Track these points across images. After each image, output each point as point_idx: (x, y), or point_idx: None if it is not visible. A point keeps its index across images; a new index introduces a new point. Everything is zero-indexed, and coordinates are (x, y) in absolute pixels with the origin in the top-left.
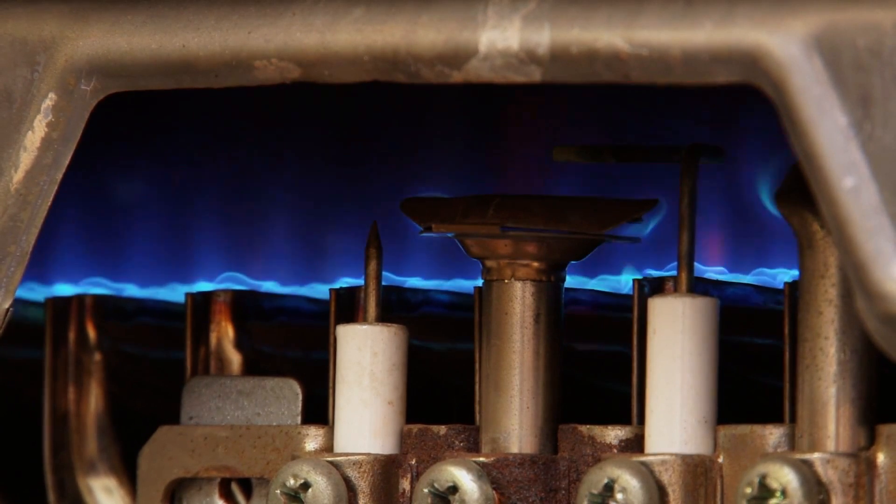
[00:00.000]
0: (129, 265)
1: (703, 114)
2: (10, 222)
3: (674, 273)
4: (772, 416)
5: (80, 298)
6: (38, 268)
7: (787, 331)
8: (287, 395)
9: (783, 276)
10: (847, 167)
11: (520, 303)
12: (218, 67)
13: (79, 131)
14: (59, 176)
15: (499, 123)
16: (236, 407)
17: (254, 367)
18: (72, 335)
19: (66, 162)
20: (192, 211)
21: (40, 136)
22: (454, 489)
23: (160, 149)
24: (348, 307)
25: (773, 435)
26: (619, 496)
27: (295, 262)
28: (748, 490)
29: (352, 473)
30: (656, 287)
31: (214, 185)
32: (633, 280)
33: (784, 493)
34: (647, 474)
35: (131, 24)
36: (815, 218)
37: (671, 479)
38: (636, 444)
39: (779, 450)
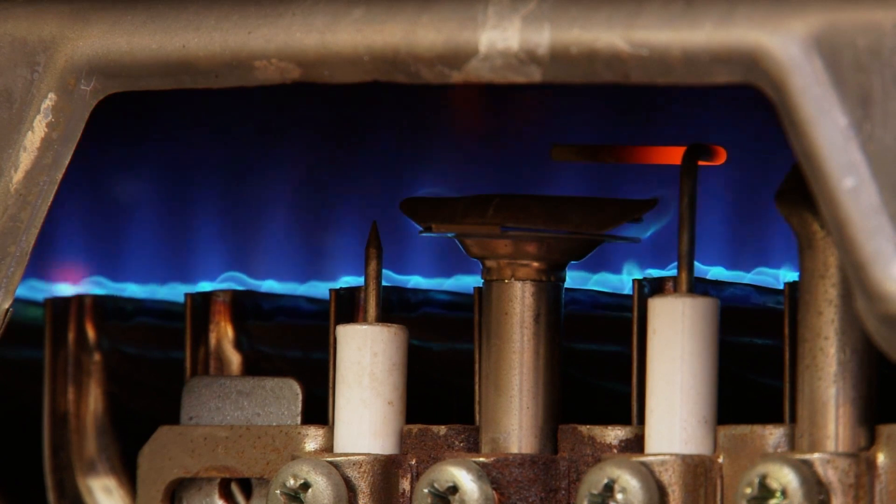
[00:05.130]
0: (129, 265)
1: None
2: (10, 222)
3: (674, 273)
4: (772, 416)
5: (79, 298)
6: (39, 268)
7: (787, 331)
8: (287, 395)
9: (785, 275)
10: (847, 167)
11: (520, 303)
12: (218, 67)
13: (79, 131)
14: (59, 176)
15: (499, 123)
16: (236, 407)
17: (253, 367)
18: (71, 335)
19: (66, 162)
20: (192, 211)
21: (40, 137)
22: (454, 489)
23: (160, 148)
24: (348, 307)
25: (773, 435)
26: (619, 496)
27: (295, 262)
28: (748, 490)
29: (352, 473)
30: (656, 287)
31: (214, 184)
32: (633, 280)
33: (784, 493)
34: (647, 474)
35: (131, 24)
36: (815, 218)
37: (671, 480)
38: (636, 444)
39: (779, 450)
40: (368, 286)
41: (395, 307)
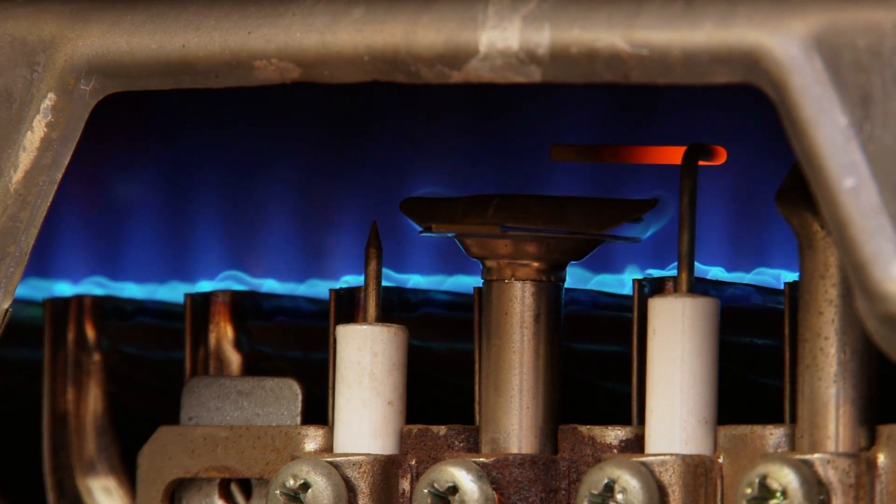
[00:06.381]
0: (129, 264)
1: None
2: (10, 222)
3: (674, 273)
4: (772, 416)
5: (78, 299)
6: (39, 267)
7: (787, 331)
8: (287, 395)
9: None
10: (847, 167)
11: (520, 303)
12: (218, 67)
13: (78, 131)
14: (59, 176)
15: (499, 122)
16: (236, 407)
17: (253, 367)
18: (71, 336)
19: (66, 162)
20: (192, 210)
21: (40, 136)
22: (454, 489)
23: (160, 148)
24: (348, 307)
25: (773, 435)
26: (619, 496)
27: (295, 262)
28: (748, 490)
29: (352, 474)
30: (656, 287)
31: (214, 184)
32: (633, 280)
33: (784, 493)
34: (648, 474)
35: (131, 24)
36: (815, 218)
37: (671, 480)
38: (636, 444)
39: (779, 450)
40: (368, 286)
41: (395, 307)
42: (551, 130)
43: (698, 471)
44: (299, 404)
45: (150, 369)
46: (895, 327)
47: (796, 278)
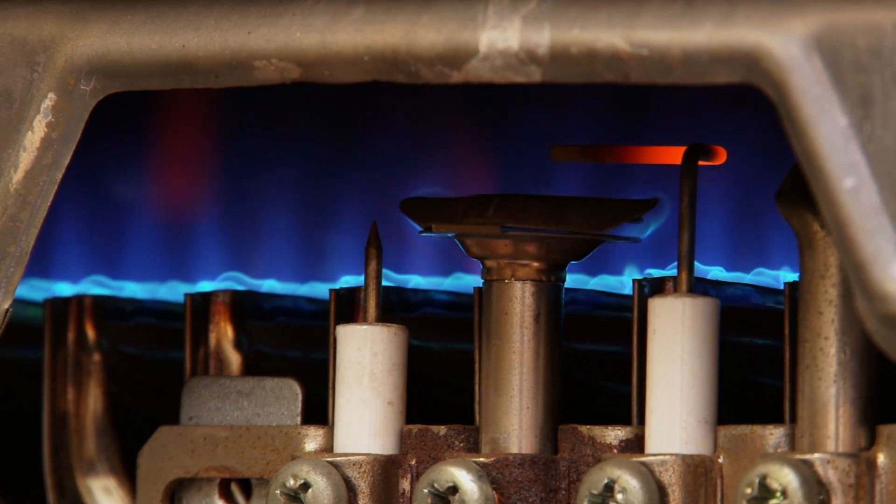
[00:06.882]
0: (129, 264)
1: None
2: (10, 222)
3: (674, 273)
4: (772, 416)
5: (79, 299)
6: (39, 267)
7: (787, 331)
8: (287, 395)
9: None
10: (847, 167)
11: (520, 303)
12: (218, 67)
13: (78, 131)
14: (59, 176)
15: (499, 122)
16: (236, 407)
17: (253, 367)
18: (71, 336)
19: (66, 162)
20: (192, 210)
21: (40, 137)
22: (454, 489)
23: (160, 149)
24: (348, 307)
25: (773, 435)
26: (619, 496)
27: (295, 262)
28: (748, 490)
29: (352, 474)
30: (656, 287)
31: (214, 184)
32: (633, 280)
33: (784, 493)
34: (647, 474)
35: (131, 24)
36: (815, 218)
37: (671, 480)
38: (636, 444)
39: (779, 450)
40: (368, 286)
41: (395, 307)
42: (551, 130)
43: (698, 471)
44: (299, 404)
45: (150, 369)
46: (895, 327)
47: (796, 278)
